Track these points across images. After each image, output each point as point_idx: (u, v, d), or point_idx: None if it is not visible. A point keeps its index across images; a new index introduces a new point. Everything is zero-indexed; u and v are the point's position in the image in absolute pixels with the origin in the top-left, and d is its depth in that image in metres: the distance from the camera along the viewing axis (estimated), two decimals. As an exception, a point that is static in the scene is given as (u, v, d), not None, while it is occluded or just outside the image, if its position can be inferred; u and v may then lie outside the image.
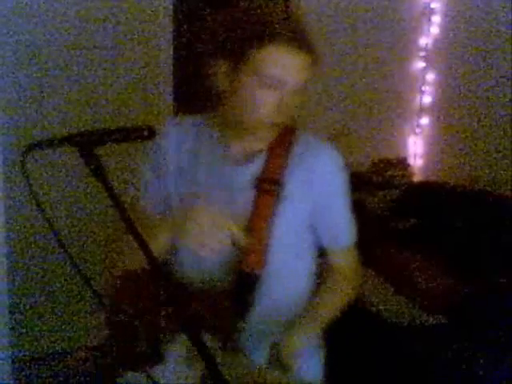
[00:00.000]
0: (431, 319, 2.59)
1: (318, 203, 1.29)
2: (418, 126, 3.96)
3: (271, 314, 1.29)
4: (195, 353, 0.87)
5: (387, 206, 3.51)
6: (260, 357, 1.23)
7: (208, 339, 1.04)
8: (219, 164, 1.30)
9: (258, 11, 1.21)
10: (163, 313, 1.08)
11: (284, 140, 1.29)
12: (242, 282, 1.24)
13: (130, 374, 1.10)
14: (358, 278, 1.41)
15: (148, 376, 1.04)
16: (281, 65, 1.18)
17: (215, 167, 1.30)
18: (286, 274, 1.31)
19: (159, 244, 1.20)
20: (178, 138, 1.34)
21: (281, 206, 1.25)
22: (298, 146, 1.30)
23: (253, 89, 1.18)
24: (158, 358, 1.08)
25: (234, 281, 1.24)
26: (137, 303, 1.12)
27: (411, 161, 3.94)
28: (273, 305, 1.29)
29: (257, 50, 1.17)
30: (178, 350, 1.08)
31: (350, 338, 2.46)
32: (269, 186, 1.25)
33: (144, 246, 0.93)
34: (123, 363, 1.16)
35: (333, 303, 1.34)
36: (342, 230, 1.36)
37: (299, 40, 1.20)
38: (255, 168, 1.28)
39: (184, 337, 1.04)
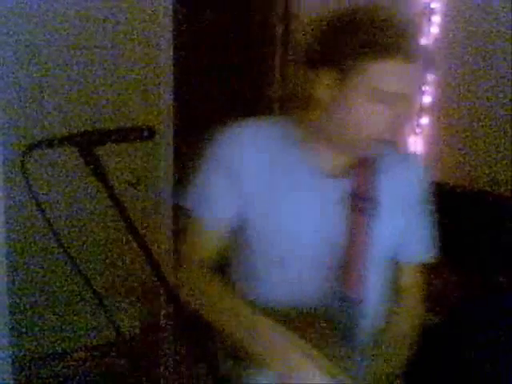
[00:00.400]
0: (431, 319, 2.59)
1: (408, 216, 1.25)
2: (418, 125, 3.96)
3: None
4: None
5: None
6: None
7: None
8: (306, 176, 1.19)
9: (369, 19, 1.11)
10: None
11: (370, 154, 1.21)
12: (344, 306, 1.14)
13: None
14: (423, 297, 1.34)
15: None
16: (399, 78, 1.10)
17: (302, 179, 1.19)
18: (375, 292, 1.23)
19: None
20: (255, 144, 1.20)
21: (375, 225, 1.17)
22: (383, 159, 1.22)
23: (366, 103, 1.10)
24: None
25: (335, 306, 1.14)
26: None
27: (411, 161, 3.95)
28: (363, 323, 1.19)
29: (372, 63, 1.08)
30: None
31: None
32: (363, 204, 1.17)
33: (144, 245, 0.93)
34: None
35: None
36: (424, 243, 1.32)
37: (415, 52, 1.11)
38: (348, 183, 1.19)
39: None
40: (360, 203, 1.16)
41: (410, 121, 1.06)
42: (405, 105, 1.12)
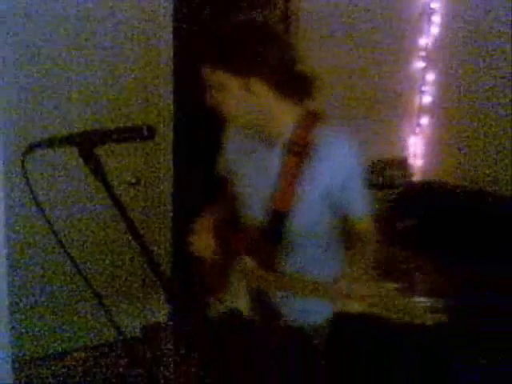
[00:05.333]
0: (431, 319, 2.59)
1: (335, 177, 1.48)
2: (418, 125, 3.96)
3: (299, 256, 1.56)
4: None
5: (387, 206, 3.51)
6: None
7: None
8: (258, 142, 1.58)
9: None
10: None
11: (309, 121, 1.52)
12: (272, 218, 1.54)
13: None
14: (374, 242, 1.61)
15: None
16: None
17: (256, 145, 1.59)
18: (310, 225, 1.54)
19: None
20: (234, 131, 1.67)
21: (308, 165, 1.48)
22: (322, 126, 1.51)
23: None
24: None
25: (270, 218, 1.55)
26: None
27: (411, 161, 3.95)
28: (299, 248, 1.56)
29: None
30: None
31: (350, 338, 2.46)
32: (296, 148, 1.49)
33: (144, 245, 0.93)
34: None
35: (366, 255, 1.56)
36: (359, 200, 1.56)
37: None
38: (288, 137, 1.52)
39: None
40: (295, 147, 1.49)
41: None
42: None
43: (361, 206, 1.57)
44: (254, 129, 1.55)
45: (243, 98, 1.44)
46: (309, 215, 1.53)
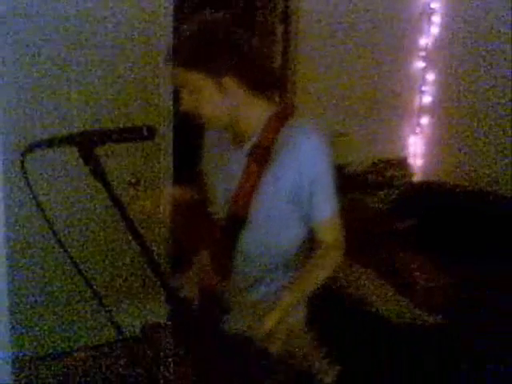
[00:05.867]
0: (431, 319, 2.59)
1: (300, 179, 1.42)
2: (418, 125, 3.96)
3: (256, 261, 1.51)
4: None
5: (387, 206, 3.51)
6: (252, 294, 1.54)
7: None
8: (229, 147, 1.55)
9: None
10: None
11: (277, 122, 1.46)
12: (231, 220, 1.50)
13: None
14: (340, 248, 1.52)
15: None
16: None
17: (228, 149, 1.55)
18: (270, 232, 1.49)
19: None
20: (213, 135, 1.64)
21: (268, 169, 1.43)
22: (290, 126, 1.44)
23: None
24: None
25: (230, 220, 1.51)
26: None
27: (411, 161, 3.95)
28: (256, 253, 1.50)
29: None
30: None
31: (351, 338, 2.46)
32: (258, 152, 1.45)
33: (144, 245, 0.93)
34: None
35: (313, 277, 1.47)
36: (322, 204, 1.47)
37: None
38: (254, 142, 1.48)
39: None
40: (256, 151, 1.45)
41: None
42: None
43: (323, 211, 1.48)
44: (229, 129, 1.51)
45: (217, 99, 1.40)
46: (267, 224, 1.48)
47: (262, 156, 1.44)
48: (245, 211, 1.46)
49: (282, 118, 1.47)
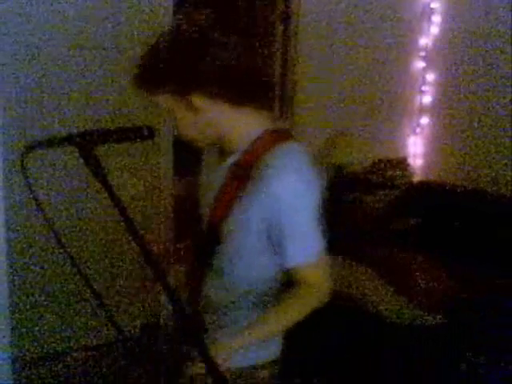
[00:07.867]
0: (431, 319, 2.59)
1: (270, 216, 1.28)
2: (418, 125, 3.96)
3: (227, 282, 1.41)
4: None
5: (387, 206, 3.51)
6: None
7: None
8: (218, 166, 1.44)
9: None
10: None
11: (265, 143, 1.32)
12: (208, 234, 1.41)
13: None
14: (323, 289, 1.36)
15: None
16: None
17: (217, 167, 1.45)
18: (241, 255, 1.37)
19: None
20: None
21: (244, 192, 1.30)
22: (274, 153, 1.29)
23: None
24: None
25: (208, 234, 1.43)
26: None
27: (411, 161, 3.95)
28: (228, 273, 1.40)
29: None
30: None
31: (351, 338, 2.46)
32: (237, 171, 1.33)
33: (144, 245, 0.93)
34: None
35: (283, 318, 1.34)
36: (294, 249, 1.31)
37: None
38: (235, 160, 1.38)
39: None
40: (235, 169, 1.34)
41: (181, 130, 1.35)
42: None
43: (296, 257, 1.31)
44: (218, 143, 1.40)
45: (190, 118, 1.29)
46: (238, 247, 1.35)
47: (239, 176, 1.32)
48: (218, 229, 1.36)
49: (272, 139, 1.32)
